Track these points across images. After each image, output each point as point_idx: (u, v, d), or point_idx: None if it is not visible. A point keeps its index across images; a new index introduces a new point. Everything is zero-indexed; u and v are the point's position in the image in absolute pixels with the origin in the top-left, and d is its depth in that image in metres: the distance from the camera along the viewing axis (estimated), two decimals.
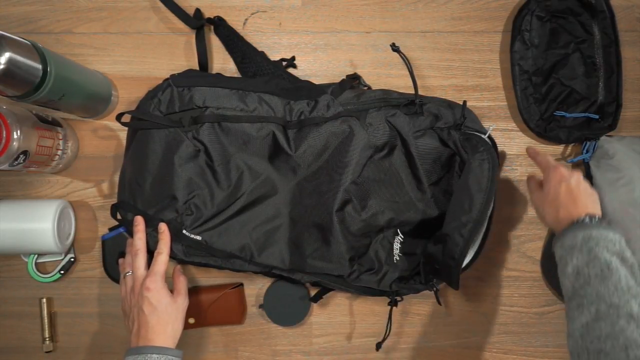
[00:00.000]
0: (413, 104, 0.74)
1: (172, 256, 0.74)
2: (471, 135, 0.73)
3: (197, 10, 0.82)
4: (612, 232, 0.61)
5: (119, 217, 0.77)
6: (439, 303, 0.74)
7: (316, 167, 0.75)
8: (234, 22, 0.83)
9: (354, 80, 0.79)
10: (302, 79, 0.81)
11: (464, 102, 0.74)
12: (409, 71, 0.73)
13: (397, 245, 0.77)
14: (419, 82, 0.77)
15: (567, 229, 0.63)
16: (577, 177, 0.68)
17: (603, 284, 0.56)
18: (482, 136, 0.73)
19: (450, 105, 0.76)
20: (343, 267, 0.74)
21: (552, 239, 0.84)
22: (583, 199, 0.66)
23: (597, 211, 0.65)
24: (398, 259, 0.77)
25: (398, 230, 0.77)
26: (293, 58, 0.83)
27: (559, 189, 0.67)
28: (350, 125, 0.74)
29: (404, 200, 0.76)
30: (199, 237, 0.74)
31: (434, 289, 0.74)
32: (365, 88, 0.81)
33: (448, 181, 0.76)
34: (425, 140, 0.74)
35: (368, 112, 0.75)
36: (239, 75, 0.82)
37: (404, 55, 0.74)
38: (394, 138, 0.75)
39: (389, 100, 0.75)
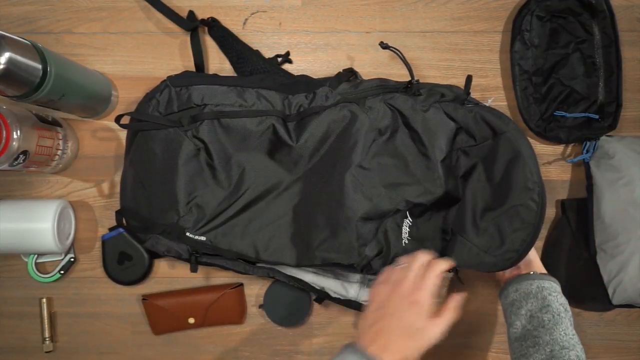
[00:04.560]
0: (410, 85, 0.74)
1: (178, 257, 0.75)
2: (482, 114, 0.72)
3: (191, 12, 0.82)
4: (557, 284, 0.69)
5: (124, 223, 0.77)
6: (462, 282, 0.76)
7: (319, 157, 0.75)
8: (234, 22, 0.83)
9: (350, 74, 0.79)
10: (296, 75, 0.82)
11: (469, 76, 0.73)
12: (401, 59, 0.74)
13: (405, 229, 0.75)
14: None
15: (521, 277, 0.70)
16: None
17: (555, 329, 0.64)
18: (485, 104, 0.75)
19: (445, 85, 0.76)
20: (353, 256, 0.73)
21: (550, 240, 0.84)
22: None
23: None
24: (407, 242, 0.75)
25: (407, 213, 0.75)
26: (288, 53, 0.83)
27: None
28: (351, 110, 0.74)
29: (413, 182, 0.74)
30: (203, 238, 0.74)
31: (453, 270, 0.72)
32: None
33: (453, 159, 0.75)
34: (431, 115, 0.73)
35: (366, 99, 0.75)
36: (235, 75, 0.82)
37: (395, 48, 0.74)
38: (396, 120, 0.74)
39: (386, 87, 0.75)
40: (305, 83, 0.77)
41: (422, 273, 0.64)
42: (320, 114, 0.74)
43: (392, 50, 0.75)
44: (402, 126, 0.75)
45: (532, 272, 0.70)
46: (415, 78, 0.74)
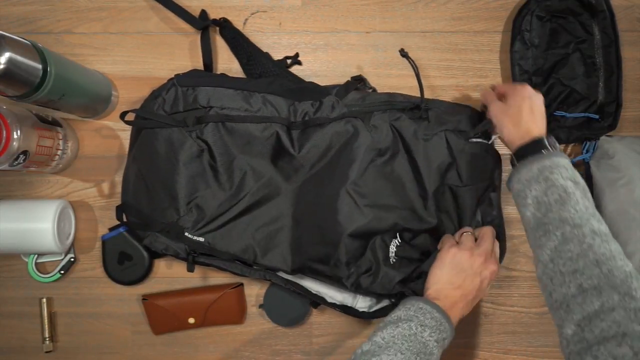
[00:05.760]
0: (418, 108, 0.74)
1: (176, 255, 0.75)
2: (470, 160, 0.75)
3: (203, 12, 0.82)
4: (562, 157, 0.64)
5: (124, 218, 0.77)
6: None
7: (319, 167, 0.75)
8: (234, 22, 0.83)
9: (358, 82, 0.79)
10: (303, 78, 0.82)
11: (487, 121, 0.74)
12: (416, 76, 0.74)
13: (392, 249, 0.75)
14: None
15: (522, 164, 0.65)
16: (540, 98, 0.70)
17: (564, 208, 0.59)
18: (486, 142, 0.76)
19: (455, 110, 0.76)
20: (341, 270, 0.73)
21: None
22: (541, 119, 0.69)
23: (543, 127, 0.69)
24: (394, 261, 0.75)
25: (397, 234, 0.76)
26: (297, 55, 0.83)
27: (522, 105, 0.69)
28: (355, 125, 0.74)
29: (406, 207, 0.75)
30: (201, 239, 0.74)
31: None
32: (370, 90, 0.80)
33: (447, 190, 0.76)
34: (432, 144, 0.74)
35: (372, 115, 0.75)
36: (244, 76, 0.82)
37: (412, 61, 0.75)
38: (397, 143, 0.75)
39: (393, 103, 0.75)
40: (312, 90, 0.77)
41: (492, 245, 0.71)
42: (325, 126, 0.74)
43: (410, 62, 0.76)
44: (402, 150, 0.75)
45: (529, 154, 0.65)
46: (424, 104, 0.75)
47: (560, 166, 0.63)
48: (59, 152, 0.78)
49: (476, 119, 0.77)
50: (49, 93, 0.65)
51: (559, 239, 0.58)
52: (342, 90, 0.76)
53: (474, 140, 0.75)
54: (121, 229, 0.80)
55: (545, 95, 0.82)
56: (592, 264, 0.54)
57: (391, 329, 0.60)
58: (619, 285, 0.52)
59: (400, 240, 0.76)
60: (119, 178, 0.82)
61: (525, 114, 0.68)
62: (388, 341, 0.59)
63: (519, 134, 0.68)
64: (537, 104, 0.69)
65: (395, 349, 0.58)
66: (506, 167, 0.83)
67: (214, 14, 0.83)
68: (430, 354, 0.60)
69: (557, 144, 0.68)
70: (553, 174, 0.62)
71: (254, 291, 0.84)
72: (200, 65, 0.82)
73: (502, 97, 0.73)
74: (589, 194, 0.62)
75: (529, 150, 0.66)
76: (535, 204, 0.62)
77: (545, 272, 0.59)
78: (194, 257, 0.74)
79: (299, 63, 0.84)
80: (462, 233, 0.72)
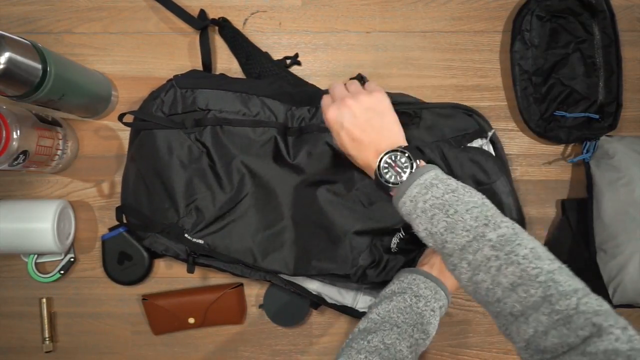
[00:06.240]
0: (409, 115, 0.75)
1: (176, 257, 0.75)
2: (467, 166, 0.73)
3: (202, 11, 0.82)
4: (424, 173, 0.55)
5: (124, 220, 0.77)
6: None
7: (319, 171, 0.75)
8: (234, 22, 0.83)
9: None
10: (303, 78, 0.82)
11: (494, 133, 0.75)
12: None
13: (395, 240, 0.76)
14: (419, 82, 0.77)
15: (395, 198, 0.57)
16: (347, 111, 0.58)
17: (455, 234, 0.52)
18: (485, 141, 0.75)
19: (449, 114, 0.76)
20: (347, 266, 0.73)
21: (551, 240, 0.84)
22: (370, 142, 0.58)
23: (386, 143, 0.57)
24: (396, 250, 0.76)
25: (401, 228, 0.76)
26: (296, 55, 0.83)
27: (340, 138, 0.59)
28: None
29: None
30: (201, 241, 0.74)
31: None
32: None
33: None
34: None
35: None
36: (243, 76, 0.82)
37: None
38: None
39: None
40: (311, 95, 0.77)
41: None
42: (320, 133, 0.74)
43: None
44: None
45: (388, 190, 0.57)
46: (413, 111, 0.75)
47: (428, 186, 0.54)
48: (59, 152, 0.78)
49: (470, 120, 0.77)
50: (48, 93, 0.65)
51: (469, 271, 0.52)
52: None
53: (469, 145, 0.74)
54: (121, 229, 0.80)
55: (545, 95, 0.82)
56: (509, 290, 0.49)
57: (386, 304, 0.60)
58: (541, 305, 0.48)
59: (403, 234, 0.76)
60: (118, 178, 0.82)
61: (351, 147, 0.59)
62: (383, 316, 0.58)
63: (366, 169, 0.60)
64: (351, 124, 0.58)
65: (391, 324, 0.57)
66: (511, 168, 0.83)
67: (213, 14, 0.83)
68: (427, 323, 0.59)
69: (411, 153, 0.56)
70: (427, 202, 0.54)
71: (254, 291, 0.84)
72: (199, 64, 0.82)
73: None
74: (468, 188, 0.54)
75: (384, 189, 0.58)
76: (429, 236, 0.55)
77: (475, 298, 0.54)
78: (194, 259, 0.74)
79: (298, 63, 0.84)
80: None
